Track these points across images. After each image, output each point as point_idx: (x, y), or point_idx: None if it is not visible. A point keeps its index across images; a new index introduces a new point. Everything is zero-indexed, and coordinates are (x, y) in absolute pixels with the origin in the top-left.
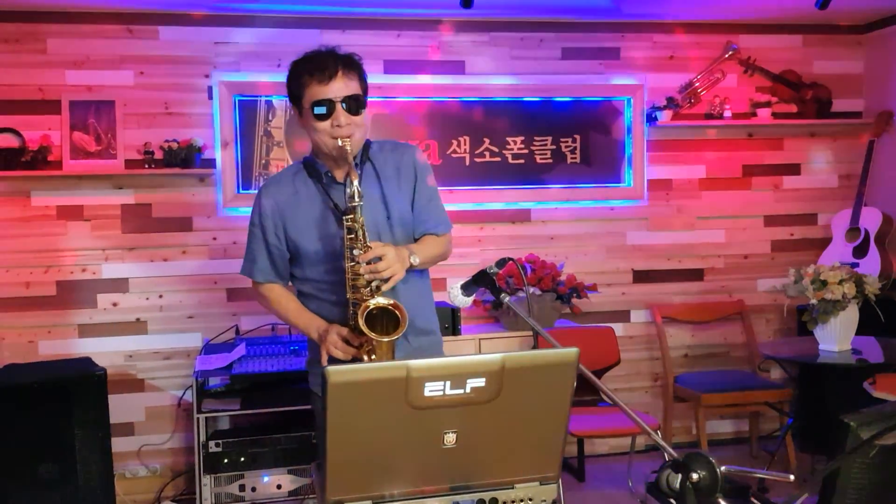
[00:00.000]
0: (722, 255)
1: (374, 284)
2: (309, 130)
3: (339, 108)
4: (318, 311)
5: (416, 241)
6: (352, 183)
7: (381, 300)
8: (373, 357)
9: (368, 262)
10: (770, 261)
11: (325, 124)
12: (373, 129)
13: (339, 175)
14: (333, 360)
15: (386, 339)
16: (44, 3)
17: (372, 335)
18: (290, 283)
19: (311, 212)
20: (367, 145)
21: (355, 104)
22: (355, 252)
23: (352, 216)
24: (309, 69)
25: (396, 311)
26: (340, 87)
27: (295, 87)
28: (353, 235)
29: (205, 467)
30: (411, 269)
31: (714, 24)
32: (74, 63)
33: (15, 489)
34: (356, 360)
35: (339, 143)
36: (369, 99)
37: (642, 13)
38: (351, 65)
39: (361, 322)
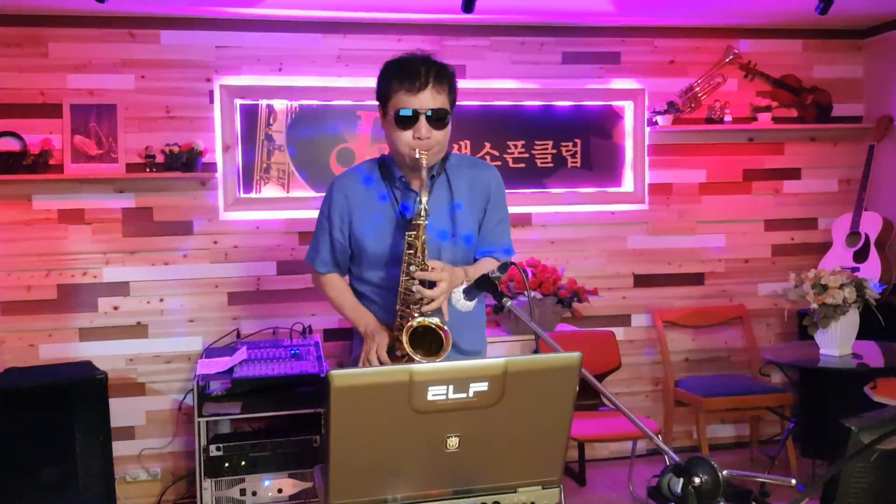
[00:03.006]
0: (722, 260)
1: (422, 304)
2: (389, 134)
3: (423, 119)
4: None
5: (475, 260)
6: (420, 200)
7: (427, 319)
8: None
9: (422, 282)
10: (771, 265)
11: (407, 133)
12: (374, 133)
13: (414, 183)
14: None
15: (425, 361)
16: (45, 6)
17: (414, 355)
18: (346, 276)
19: (379, 215)
20: (446, 157)
21: (440, 117)
22: (412, 268)
23: (414, 233)
24: (399, 76)
25: (441, 333)
26: (428, 98)
27: (383, 89)
28: (412, 251)
29: (205, 471)
30: None
31: (714, 29)
32: (76, 67)
33: (16, 493)
34: None
35: (417, 154)
36: (374, 103)
37: (643, 17)
38: (442, 77)
39: (405, 339)
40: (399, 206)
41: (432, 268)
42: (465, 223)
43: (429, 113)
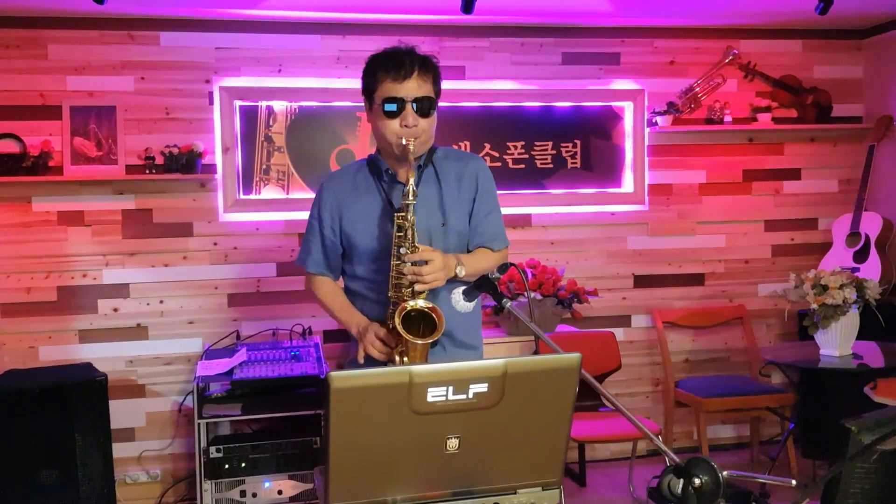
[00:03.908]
0: (722, 260)
1: (415, 286)
2: (376, 126)
3: (410, 108)
4: (362, 310)
5: (469, 252)
6: (408, 181)
7: (420, 302)
8: (405, 359)
9: (414, 263)
10: (771, 265)
11: (394, 122)
12: (373, 135)
13: (401, 174)
14: (370, 359)
15: (420, 342)
16: (45, 8)
17: (407, 336)
18: (339, 279)
19: (367, 208)
20: (433, 150)
21: (426, 106)
22: (402, 251)
23: (403, 214)
24: (385, 66)
25: (434, 315)
26: (414, 87)
27: (369, 82)
28: (402, 234)
29: (205, 473)
30: (455, 280)
31: (714, 30)
32: (75, 69)
33: (15, 495)
34: (391, 361)
35: (403, 141)
36: None
37: (642, 18)
38: (427, 67)
39: (398, 322)
40: (387, 197)
41: (423, 249)
42: (455, 213)
43: (414, 103)
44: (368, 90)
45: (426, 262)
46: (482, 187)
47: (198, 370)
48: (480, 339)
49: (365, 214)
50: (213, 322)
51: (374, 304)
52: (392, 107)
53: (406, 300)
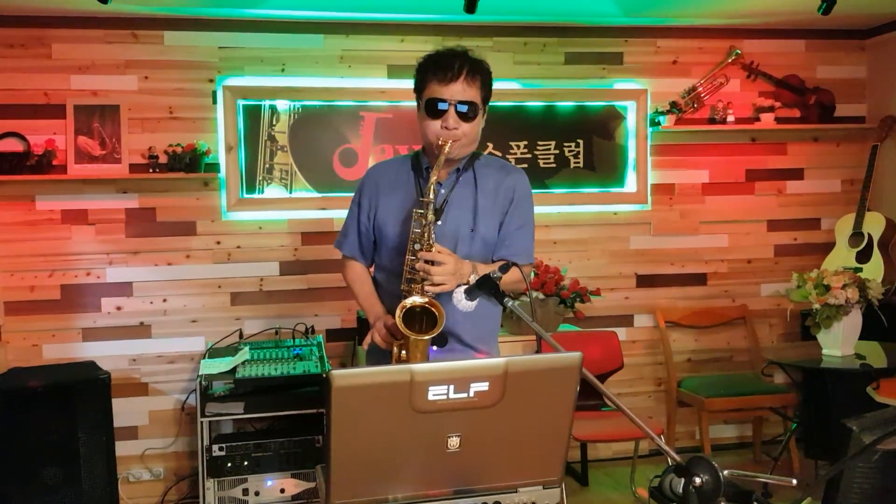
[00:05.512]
0: (725, 260)
1: (424, 285)
2: (420, 124)
3: (452, 110)
4: (382, 300)
5: (493, 262)
6: (431, 181)
7: (417, 298)
8: (403, 353)
9: (426, 262)
10: (773, 265)
11: (436, 123)
12: (377, 134)
13: (441, 173)
14: (375, 349)
15: (417, 338)
16: (49, 8)
17: (406, 331)
18: (372, 266)
19: (401, 202)
20: (476, 156)
21: (469, 110)
22: (416, 246)
23: (422, 212)
24: (433, 67)
25: (434, 310)
26: (459, 90)
27: (418, 81)
28: (419, 230)
29: (208, 471)
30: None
31: (717, 29)
32: (79, 68)
33: (19, 493)
34: (390, 353)
35: (440, 141)
36: (377, 103)
37: (646, 18)
38: (476, 71)
39: (398, 317)
40: (421, 194)
41: (438, 250)
42: (486, 221)
43: (458, 105)
44: (417, 89)
45: (439, 264)
46: (518, 200)
47: (201, 369)
48: (495, 346)
49: (398, 207)
50: (216, 321)
51: (391, 296)
52: (435, 107)
53: (412, 295)
